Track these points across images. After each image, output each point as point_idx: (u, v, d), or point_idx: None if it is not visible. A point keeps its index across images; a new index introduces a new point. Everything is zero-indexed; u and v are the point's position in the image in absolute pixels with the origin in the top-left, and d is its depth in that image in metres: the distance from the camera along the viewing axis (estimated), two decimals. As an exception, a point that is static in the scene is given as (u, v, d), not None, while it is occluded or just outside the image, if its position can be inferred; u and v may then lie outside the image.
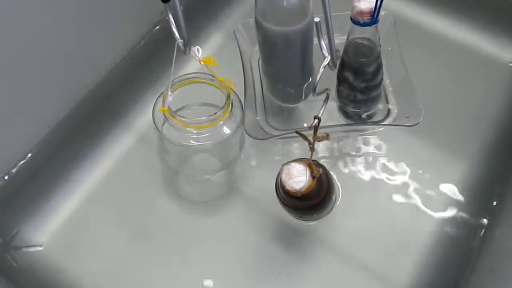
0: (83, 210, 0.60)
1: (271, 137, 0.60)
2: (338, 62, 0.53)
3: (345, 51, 0.56)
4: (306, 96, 0.62)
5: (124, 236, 0.59)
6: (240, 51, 0.63)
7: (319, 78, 0.49)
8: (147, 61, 0.70)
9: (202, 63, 0.50)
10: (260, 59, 0.63)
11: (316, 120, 0.50)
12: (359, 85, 0.57)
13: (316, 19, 0.46)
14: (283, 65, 0.58)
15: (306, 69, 0.59)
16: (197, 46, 0.50)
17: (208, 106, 0.56)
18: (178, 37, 0.48)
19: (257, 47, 0.61)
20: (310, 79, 0.60)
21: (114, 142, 0.64)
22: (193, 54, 0.49)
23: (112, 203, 0.61)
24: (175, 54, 0.48)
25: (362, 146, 0.63)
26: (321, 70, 0.49)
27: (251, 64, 0.65)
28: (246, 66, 0.63)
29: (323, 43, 0.48)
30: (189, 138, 0.53)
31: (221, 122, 0.52)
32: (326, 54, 0.49)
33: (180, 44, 0.48)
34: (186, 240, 0.59)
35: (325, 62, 0.49)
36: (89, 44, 0.65)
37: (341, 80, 0.58)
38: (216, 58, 0.50)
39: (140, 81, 0.68)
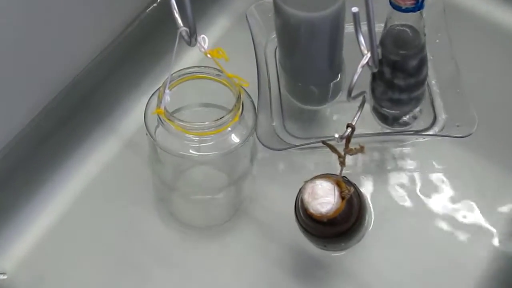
0: (56, 232, 0.60)
1: (290, 147, 0.59)
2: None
3: (382, 41, 0.55)
4: (332, 98, 0.62)
5: (106, 265, 0.58)
6: (253, 40, 0.62)
7: (356, 80, 0.48)
8: (137, 50, 0.69)
9: (208, 55, 0.48)
10: (277, 50, 0.62)
11: (350, 129, 0.49)
12: (399, 82, 0.56)
13: (355, 9, 0.46)
14: (306, 59, 0.57)
15: (334, 64, 0.59)
16: (202, 35, 0.48)
17: (213, 107, 0.55)
18: (181, 24, 0.47)
19: (274, 35, 0.61)
20: (339, 76, 0.60)
21: (94, 149, 0.63)
22: (198, 44, 0.48)
23: (91, 224, 0.60)
24: (176, 45, 0.46)
25: (400, 159, 0.62)
26: (359, 70, 0.48)
27: (266, 56, 0.64)
28: (260, 59, 0.62)
29: (361, 38, 0.48)
30: (188, 147, 0.52)
31: (229, 128, 0.51)
32: (365, 51, 0.48)
33: (184, 33, 0.47)
34: (182, 271, 0.58)
35: (364, 61, 0.48)
36: (66, 30, 0.63)
37: (376, 75, 0.57)
38: (223, 48, 0.49)
39: (128, 74, 0.67)
